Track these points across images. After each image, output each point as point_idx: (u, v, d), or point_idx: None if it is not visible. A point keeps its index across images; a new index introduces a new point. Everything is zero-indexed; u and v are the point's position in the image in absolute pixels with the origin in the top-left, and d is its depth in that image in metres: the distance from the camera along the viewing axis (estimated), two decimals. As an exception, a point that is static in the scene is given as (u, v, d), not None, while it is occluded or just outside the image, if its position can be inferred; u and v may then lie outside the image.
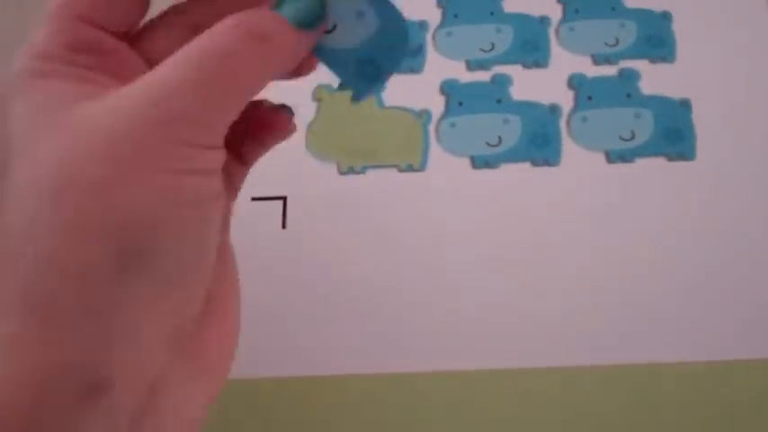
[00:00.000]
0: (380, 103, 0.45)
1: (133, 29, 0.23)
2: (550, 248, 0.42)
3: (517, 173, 0.44)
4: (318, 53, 0.23)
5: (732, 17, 0.48)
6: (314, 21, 0.22)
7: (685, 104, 0.45)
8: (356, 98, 0.24)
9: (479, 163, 0.44)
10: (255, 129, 0.24)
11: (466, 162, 0.44)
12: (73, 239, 0.17)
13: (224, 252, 0.23)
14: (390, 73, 0.23)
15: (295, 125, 0.25)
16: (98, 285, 0.18)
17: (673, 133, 0.44)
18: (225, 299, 0.22)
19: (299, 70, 0.24)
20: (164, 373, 0.19)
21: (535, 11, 0.48)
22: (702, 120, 0.45)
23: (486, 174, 0.44)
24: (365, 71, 0.23)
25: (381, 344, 0.40)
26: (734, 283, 0.40)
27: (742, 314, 0.40)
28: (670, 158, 0.44)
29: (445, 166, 0.44)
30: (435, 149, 0.44)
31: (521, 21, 0.48)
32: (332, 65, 0.23)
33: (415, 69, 0.46)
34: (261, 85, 0.21)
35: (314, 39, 0.23)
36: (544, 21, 0.47)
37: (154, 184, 0.18)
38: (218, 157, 0.20)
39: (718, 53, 0.47)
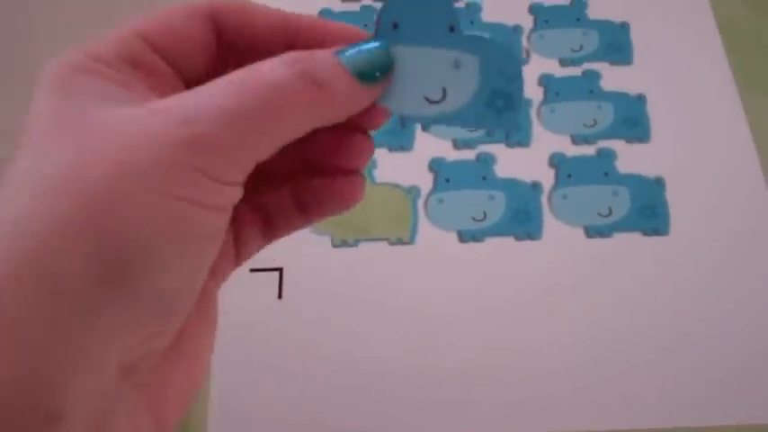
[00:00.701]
0: (372, 180, 0.48)
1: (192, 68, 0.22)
2: (533, 319, 0.44)
3: (501, 246, 0.46)
4: (442, 120, 0.23)
5: (704, 100, 0.51)
6: (378, 74, 0.21)
7: (660, 182, 0.48)
8: (509, 135, 0.24)
9: (466, 237, 0.46)
10: (321, 194, 0.24)
11: (453, 236, 0.47)
12: (56, 244, 0.16)
13: (208, 296, 0.22)
14: (521, 90, 0.23)
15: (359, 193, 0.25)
16: (72, 301, 0.16)
17: (648, 210, 0.47)
18: (197, 341, 0.21)
19: (367, 124, 0.23)
20: (117, 401, 0.18)
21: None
22: (676, 197, 0.47)
23: (472, 247, 0.46)
24: (498, 107, 0.22)
25: (373, 411, 0.42)
26: (706, 351, 0.42)
27: (713, 380, 0.42)
28: (646, 233, 0.46)
29: (434, 239, 0.47)
30: (424, 224, 0.47)
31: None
32: (465, 124, 0.23)
33: (405, 148, 0.49)
34: (302, 131, 0.20)
35: (377, 93, 0.22)
36: (527, 102, 0.51)
37: (156, 205, 0.17)
38: (233, 195, 0.19)
39: (691, 134, 0.50)
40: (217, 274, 0.23)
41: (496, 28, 0.54)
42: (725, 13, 0.54)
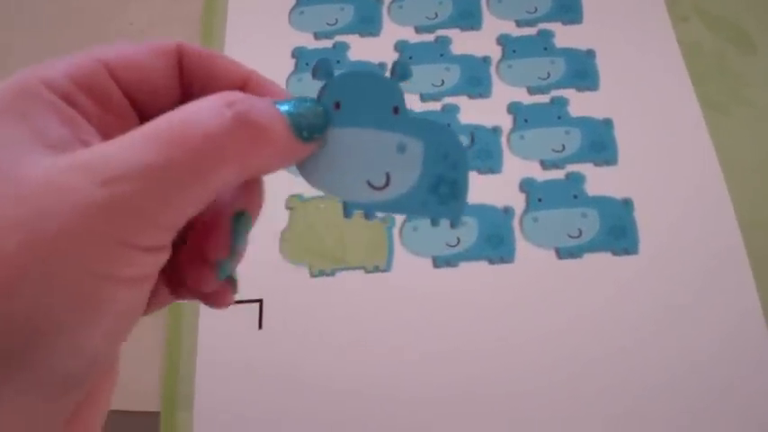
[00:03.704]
0: (348, 210, 0.49)
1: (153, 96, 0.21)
2: (509, 340, 0.45)
3: (475, 270, 0.47)
4: (386, 209, 0.22)
5: (669, 122, 0.52)
6: (315, 130, 0.20)
7: (628, 203, 0.49)
8: (454, 224, 0.22)
9: (440, 262, 0.48)
10: (191, 279, 0.21)
11: (428, 262, 0.48)
12: None
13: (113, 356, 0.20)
14: (466, 177, 0.22)
15: (230, 301, 0.23)
16: None
17: (617, 230, 0.48)
18: (95, 399, 0.20)
19: (218, 302, 0.22)
20: None
21: (488, 121, 0.52)
22: (644, 217, 0.49)
23: (446, 272, 0.47)
24: (442, 194, 0.22)
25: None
26: (676, 369, 0.43)
27: (684, 399, 0.43)
28: (615, 253, 0.47)
29: (409, 266, 0.48)
30: (399, 251, 0.48)
31: (475, 130, 0.52)
32: (407, 211, 0.22)
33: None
34: (233, 183, 0.18)
35: (307, 152, 0.20)
36: (497, 130, 0.52)
37: (68, 284, 0.16)
38: (157, 260, 0.18)
39: (657, 155, 0.51)
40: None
41: (467, 59, 0.55)
42: (688, 39, 0.56)
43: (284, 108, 0.19)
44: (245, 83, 0.22)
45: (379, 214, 0.48)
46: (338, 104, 0.21)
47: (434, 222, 0.22)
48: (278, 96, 0.21)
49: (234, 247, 0.21)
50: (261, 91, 0.22)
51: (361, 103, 0.21)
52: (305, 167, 0.22)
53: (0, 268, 0.15)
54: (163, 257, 0.18)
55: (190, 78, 0.22)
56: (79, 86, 0.19)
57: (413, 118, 0.21)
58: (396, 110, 0.21)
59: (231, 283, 0.22)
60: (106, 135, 0.19)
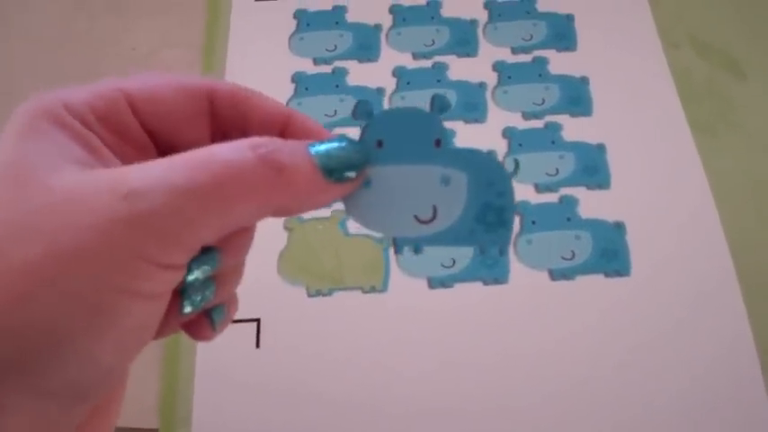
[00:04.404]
0: (345, 231, 0.50)
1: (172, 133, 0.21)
2: (501, 360, 0.46)
3: (470, 291, 0.48)
4: (435, 242, 0.22)
5: (660, 147, 0.54)
6: (347, 171, 0.20)
7: (620, 226, 0.50)
8: (503, 252, 0.22)
9: (435, 283, 0.48)
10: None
11: (423, 283, 0.49)
12: None
13: (122, 372, 0.21)
14: (512, 203, 0.22)
15: (210, 336, 0.23)
16: None
17: (609, 252, 0.49)
18: (103, 415, 0.20)
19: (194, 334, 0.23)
20: None
21: (483, 146, 0.53)
22: (636, 239, 0.49)
23: (441, 293, 0.48)
24: (489, 222, 0.22)
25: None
26: (667, 389, 0.44)
27: (674, 424, 0.43)
28: (608, 275, 0.48)
29: (405, 287, 0.49)
30: (395, 272, 0.49)
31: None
32: (456, 242, 0.22)
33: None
34: (256, 217, 0.19)
35: (342, 192, 0.21)
36: (491, 154, 0.53)
37: (83, 297, 0.16)
38: (173, 279, 0.18)
39: (648, 179, 0.52)
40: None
41: (463, 85, 0.57)
42: (679, 66, 0.57)
43: (315, 149, 0.20)
44: (285, 125, 0.22)
45: (376, 235, 0.49)
46: (380, 143, 0.22)
47: (483, 251, 0.22)
48: (318, 136, 0.21)
49: (215, 324, 0.23)
50: (301, 133, 0.22)
51: (402, 140, 0.22)
52: (351, 206, 0.22)
53: (22, 276, 0.16)
54: (178, 276, 0.18)
55: (223, 119, 0.22)
56: (96, 115, 0.19)
57: (455, 149, 0.22)
58: (437, 143, 0.22)
59: (213, 320, 0.23)
60: (124, 163, 0.19)
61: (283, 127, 0.22)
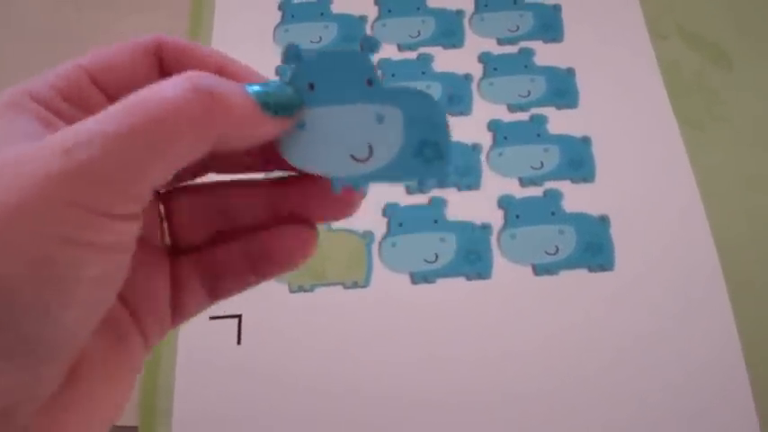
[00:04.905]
0: (327, 226, 0.50)
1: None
2: (484, 355, 0.45)
3: (453, 287, 0.48)
4: (373, 179, 0.22)
5: (646, 140, 0.53)
6: (282, 107, 0.21)
7: (604, 220, 0.49)
8: (442, 185, 0.23)
9: (418, 279, 0.48)
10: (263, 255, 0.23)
11: (406, 278, 0.48)
12: None
13: (132, 358, 0.21)
14: (448, 136, 0.22)
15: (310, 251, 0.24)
16: None
17: (593, 247, 0.49)
18: (98, 394, 0.20)
19: (339, 211, 0.24)
20: None
21: (468, 138, 0.53)
22: (620, 234, 0.49)
23: (424, 288, 0.48)
24: (427, 156, 0.22)
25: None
26: (651, 385, 0.44)
27: (659, 414, 0.43)
28: (592, 270, 0.48)
29: (387, 282, 0.48)
30: (378, 267, 0.49)
31: (455, 148, 0.53)
32: (395, 178, 0.22)
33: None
34: (198, 151, 0.19)
35: (279, 126, 0.21)
36: (476, 147, 0.53)
37: (25, 246, 0.16)
38: (127, 230, 0.18)
39: (634, 172, 0.52)
40: (148, 335, 0.22)
41: (448, 77, 0.56)
42: (667, 57, 0.57)
43: (253, 88, 0.20)
44: (221, 69, 0.22)
45: (361, 228, 0.48)
46: (312, 85, 0.22)
47: (422, 185, 0.23)
48: (253, 81, 0.22)
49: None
50: (236, 77, 0.22)
51: (333, 81, 0.22)
52: (287, 147, 0.22)
53: None
54: (134, 227, 0.18)
55: (169, 70, 0.22)
56: (62, 95, 0.20)
57: (388, 87, 0.22)
58: (369, 82, 0.22)
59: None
60: None
61: (219, 70, 0.22)
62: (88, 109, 0.20)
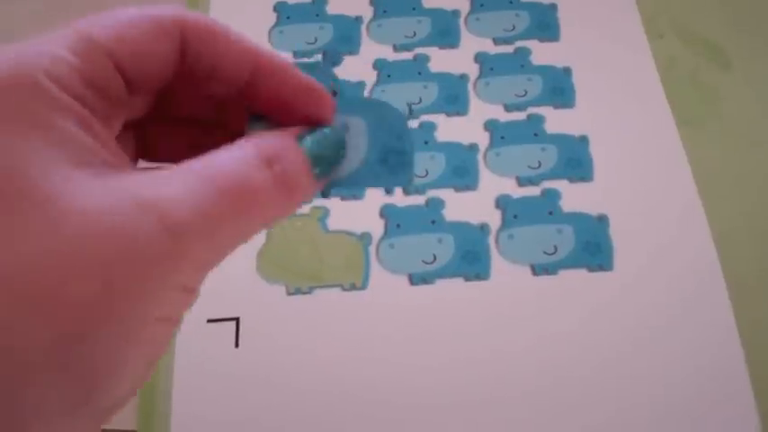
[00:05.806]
0: (324, 228, 0.50)
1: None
2: (483, 356, 0.45)
3: (451, 287, 0.48)
4: (341, 185, 0.22)
5: (644, 138, 0.53)
6: (333, 165, 0.21)
7: (603, 220, 0.49)
8: (407, 191, 0.24)
9: (416, 280, 0.48)
10: None
11: (404, 279, 0.48)
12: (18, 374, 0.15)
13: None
14: (411, 144, 0.23)
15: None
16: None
17: (592, 246, 0.48)
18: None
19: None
20: None
21: (465, 139, 0.53)
22: (619, 233, 0.49)
23: (422, 289, 0.48)
24: (392, 164, 0.23)
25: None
26: (650, 384, 0.44)
27: (657, 414, 0.43)
28: (590, 269, 0.48)
29: (385, 283, 0.48)
30: (376, 269, 0.48)
31: (452, 148, 0.53)
32: (362, 185, 0.23)
33: (357, 196, 0.51)
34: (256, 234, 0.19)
35: (323, 185, 0.21)
36: (473, 147, 0.53)
37: (135, 331, 0.16)
38: (192, 301, 0.18)
39: (632, 171, 0.51)
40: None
41: (444, 77, 0.56)
42: (663, 55, 0.57)
43: (308, 145, 0.20)
44: (257, 68, 0.21)
45: (359, 230, 0.48)
46: None
47: (389, 191, 0.24)
48: (289, 76, 0.21)
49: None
50: (272, 74, 0.21)
51: None
52: None
53: (81, 311, 0.15)
54: (194, 298, 0.19)
55: (191, 56, 0.20)
56: (88, 85, 0.18)
57: (351, 98, 0.23)
58: (333, 94, 0.22)
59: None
60: (105, 126, 0.18)
61: (253, 68, 0.21)
62: (112, 101, 0.19)
